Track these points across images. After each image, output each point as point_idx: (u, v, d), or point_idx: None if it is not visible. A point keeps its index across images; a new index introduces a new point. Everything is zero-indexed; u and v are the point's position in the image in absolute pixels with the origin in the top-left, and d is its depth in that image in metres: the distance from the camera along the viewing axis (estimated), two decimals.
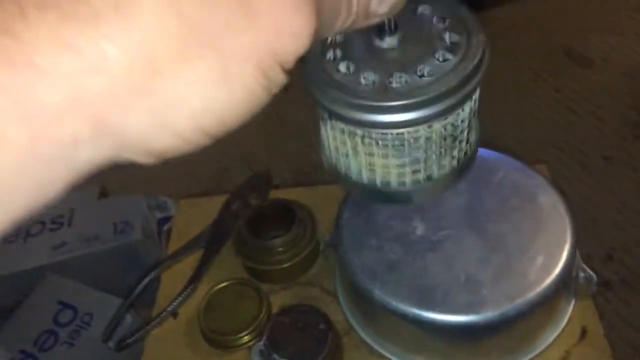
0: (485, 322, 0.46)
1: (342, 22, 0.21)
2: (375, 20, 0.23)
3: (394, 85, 0.27)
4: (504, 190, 0.53)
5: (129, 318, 0.67)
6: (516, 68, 1.70)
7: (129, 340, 0.57)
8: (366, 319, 0.54)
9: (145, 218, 1.11)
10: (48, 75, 0.15)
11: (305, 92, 0.29)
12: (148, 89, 0.16)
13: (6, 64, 0.15)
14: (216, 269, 0.61)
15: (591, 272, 0.53)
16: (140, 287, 0.61)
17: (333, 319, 0.53)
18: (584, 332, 0.53)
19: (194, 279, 0.59)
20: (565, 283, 0.49)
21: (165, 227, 1.15)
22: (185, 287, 0.59)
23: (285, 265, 0.59)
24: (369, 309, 0.52)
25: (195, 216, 0.67)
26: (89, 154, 0.16)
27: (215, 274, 0.60)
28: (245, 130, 0.20)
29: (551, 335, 0.52)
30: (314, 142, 0.35)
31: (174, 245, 0.64)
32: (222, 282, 0.59)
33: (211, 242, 0.63)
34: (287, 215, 0.60)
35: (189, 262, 0.62)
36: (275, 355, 0.50)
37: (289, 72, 0.19)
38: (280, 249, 0.59)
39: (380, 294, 0.48)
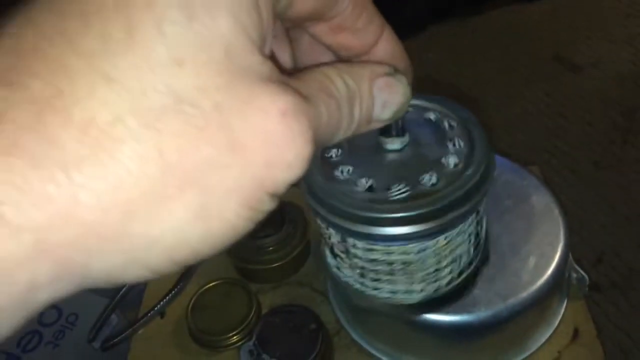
0: (477, 321, 0.45)
1: (344, 132, 0.20)
2: (378, 125, 0.22)
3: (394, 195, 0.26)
4: (497, 190, 0.53)
5: (114, 318, 0.66)
6: (507, 73, 1.71)
7: (115, 340, 0.56)
8: (357, 318, 0.53)
9: None
10: (10, 226, 0.14)
11: None
12: (120, 233, 0.15)
13: None
14: (205, 268, 0.60)
15: (583, 273, 0.53)
16: (126, 286, 0.60)
17: (324, 318, 0.53)
18: (576, 333, 0.52)
19: (182, 278, 0.59)
20: (558, 283, 0.49)
21: None
22: (174, 287, 0.58)
23: (275, 265, 0.58)
24: (360, 308, 0.51)
25: None
26: (48, 296, 0.15)
27: (204, 273, 0.59)
28: None
29: (543, 335, 0.51)
30: None
31: None
32: (211, 281, 0.58)
33: None
34: (278, 215, 0.59)
35: None
36: (264, 356, 0.49)
37: (278, 197, 0.17)
38: (271, 248, 0.58)
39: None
